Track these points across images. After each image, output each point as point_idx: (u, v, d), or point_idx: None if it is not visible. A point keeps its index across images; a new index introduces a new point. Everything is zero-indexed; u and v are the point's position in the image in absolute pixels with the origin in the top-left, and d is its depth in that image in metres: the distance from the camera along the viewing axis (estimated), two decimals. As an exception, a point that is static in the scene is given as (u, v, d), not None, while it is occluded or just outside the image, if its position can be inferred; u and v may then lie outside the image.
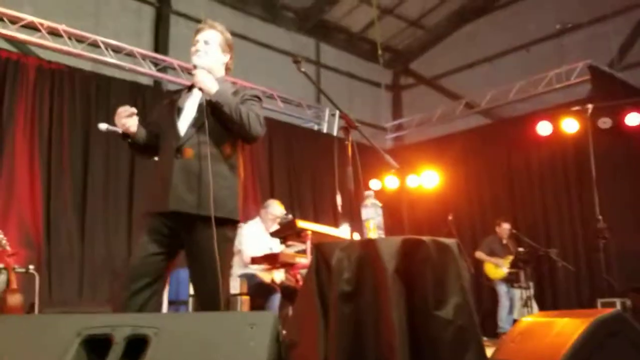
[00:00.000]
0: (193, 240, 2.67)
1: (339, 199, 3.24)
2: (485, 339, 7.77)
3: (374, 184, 9.51)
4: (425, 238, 2.07)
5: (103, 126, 3.50)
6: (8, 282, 4.66)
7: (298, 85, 10.33)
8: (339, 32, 11.02)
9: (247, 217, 7.87)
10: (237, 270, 5.54)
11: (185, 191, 2.64)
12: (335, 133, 9.82)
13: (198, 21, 8.31)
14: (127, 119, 2.83)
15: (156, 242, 2.66)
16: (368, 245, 2.15)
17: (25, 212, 6.29)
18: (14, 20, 6.59)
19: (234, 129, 2.74)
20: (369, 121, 11.04)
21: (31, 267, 5.27)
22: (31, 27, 6.71)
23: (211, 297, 2.58)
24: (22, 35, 6.64)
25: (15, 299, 4.54)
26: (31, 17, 6.64)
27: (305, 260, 5.01)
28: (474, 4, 10.63)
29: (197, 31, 3.02)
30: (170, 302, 6.45)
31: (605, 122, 7.80)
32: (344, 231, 5.79)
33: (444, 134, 10.19)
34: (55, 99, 6.69)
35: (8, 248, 4.87)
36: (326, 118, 9.76)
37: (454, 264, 2.14)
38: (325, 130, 9.85)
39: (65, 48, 6.85)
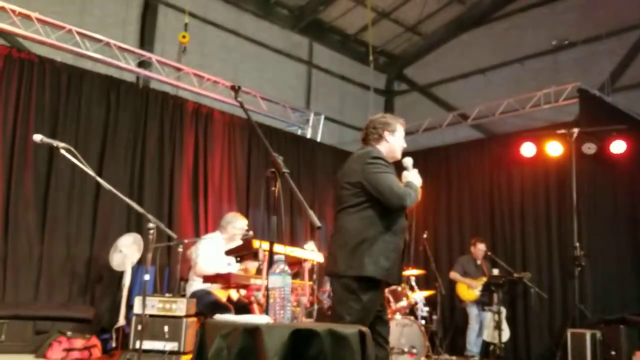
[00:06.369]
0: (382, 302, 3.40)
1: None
2: (453, 358, 7.59)
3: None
4: (319, 329, 1.86)
5: (37, 137, 3.34)
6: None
7: (287, 85, 10.13)
8: (333, 32, 10.78)
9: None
10: (194, 285, 5.36)
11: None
12: (319, 139, 9.61)
13: (184, 12, 7.97)
14: None
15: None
16: (254, 334, 1.89)
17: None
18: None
19: None
20: (359, 125, 10.83)
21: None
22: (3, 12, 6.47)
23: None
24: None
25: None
26: (2, 3, 6.39)
27: (260, 282, 4.85)
28: (471, 13, 10.39)
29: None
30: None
31: (589, 148, 7.61)
32: (309, 249, 5.62)
33: (431, 145, 9.96)
34: (22, 89, 6.42)
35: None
36: (311, 123, 9.46)
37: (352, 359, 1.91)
38: (309, 136, 9.56)
39: (37, 37, 6.59)
